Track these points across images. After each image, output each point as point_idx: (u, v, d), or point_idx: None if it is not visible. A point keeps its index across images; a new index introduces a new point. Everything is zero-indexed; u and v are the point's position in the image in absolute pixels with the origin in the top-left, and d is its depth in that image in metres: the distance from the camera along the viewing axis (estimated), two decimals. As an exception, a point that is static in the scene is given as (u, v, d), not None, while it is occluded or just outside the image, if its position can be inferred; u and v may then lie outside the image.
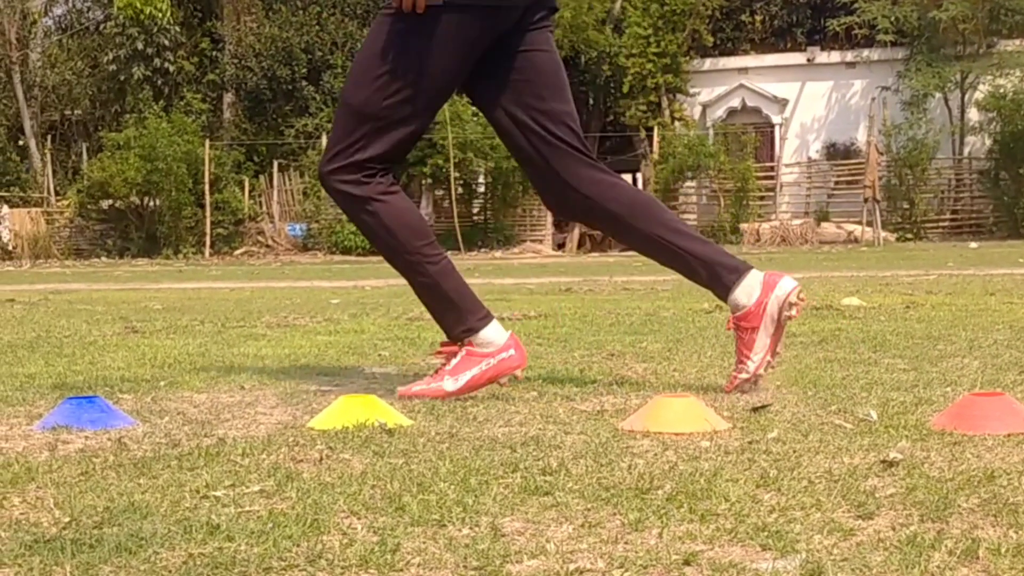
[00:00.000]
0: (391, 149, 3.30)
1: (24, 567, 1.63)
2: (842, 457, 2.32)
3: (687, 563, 1.61)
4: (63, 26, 38.79)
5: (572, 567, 1.61)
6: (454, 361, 3.33)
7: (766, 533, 1.75)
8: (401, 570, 1.62)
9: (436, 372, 3.40)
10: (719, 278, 3.36)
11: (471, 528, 1.83)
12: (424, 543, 1.75)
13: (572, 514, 1.91)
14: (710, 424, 2.64)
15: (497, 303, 8.09)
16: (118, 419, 2.91)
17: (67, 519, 1.91)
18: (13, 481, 2.19)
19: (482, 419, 2.91)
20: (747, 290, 3.32)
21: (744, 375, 3.30)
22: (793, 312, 3.27)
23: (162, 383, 3.75)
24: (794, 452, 2.37)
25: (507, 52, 3.33)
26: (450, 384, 3.29)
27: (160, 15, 32.17)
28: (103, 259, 29.36)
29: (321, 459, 2.39)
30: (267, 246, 31.69)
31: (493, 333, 3.36)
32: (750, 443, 2.48)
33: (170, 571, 1.62)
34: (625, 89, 32.93)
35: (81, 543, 1.74)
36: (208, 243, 30.81)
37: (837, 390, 3.29)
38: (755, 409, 2.92)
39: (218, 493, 2.10)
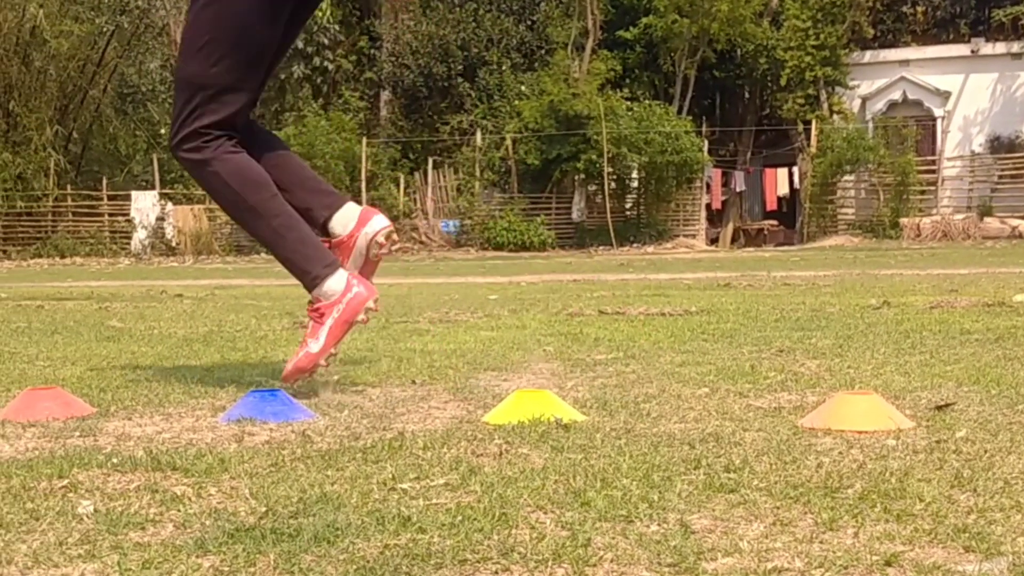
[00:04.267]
0: (226, 115, 3.40)
1: (229, 555, 1.68)
2: (1036, 458, 2.26)
3: (888, 564, 1.58)
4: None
5: (769, 566, 1.59)
6: (309, 327, 3.42)
7: (967, 535, 1.71)
8: (595, 565, 1.62)
9: (300, 345, 3.47)
10: None
11: (659, 524, 1.82)
12: (614, 538, 1.75)
13: (761, 512, 1.89)
14: (894, 422, 2.59)
15: (655, 298, 8.06)
16: (299, 412, 2.97)
17: (263, 509, 1.95)
18: (207, 471, 2.25)
19: (656, 415, 2.90)
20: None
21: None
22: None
23: (335, 377, 3.81)
24: (985, 452, 2.31)
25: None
26: (314, 346, 3.36)
27: (320, 14, 32.66)
28: (262, 255, 29.94)
29: (501, 453, 2.40)
30: (421, 242, 32.01)
31: (335, 282, 3.37)
32: (938, 442, 2.42)
33: (368, 561, 1.64)
34: (783, 82, 32.50)
35: (280, 532, 1.78)
36: (364, 239, 31.21)
37: (1022, 388, 3.20)
38: (939, 407, 2.86)
39: (404, 486, 2.12)
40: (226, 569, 1.62)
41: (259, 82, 3.51)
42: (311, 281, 3.38)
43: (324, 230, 3.52)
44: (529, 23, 34.73)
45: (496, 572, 1.61)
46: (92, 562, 1.66)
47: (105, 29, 34.04)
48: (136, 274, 18.78)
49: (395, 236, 3.54)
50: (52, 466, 2.29)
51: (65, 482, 2.16)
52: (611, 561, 1.64)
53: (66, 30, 32.29)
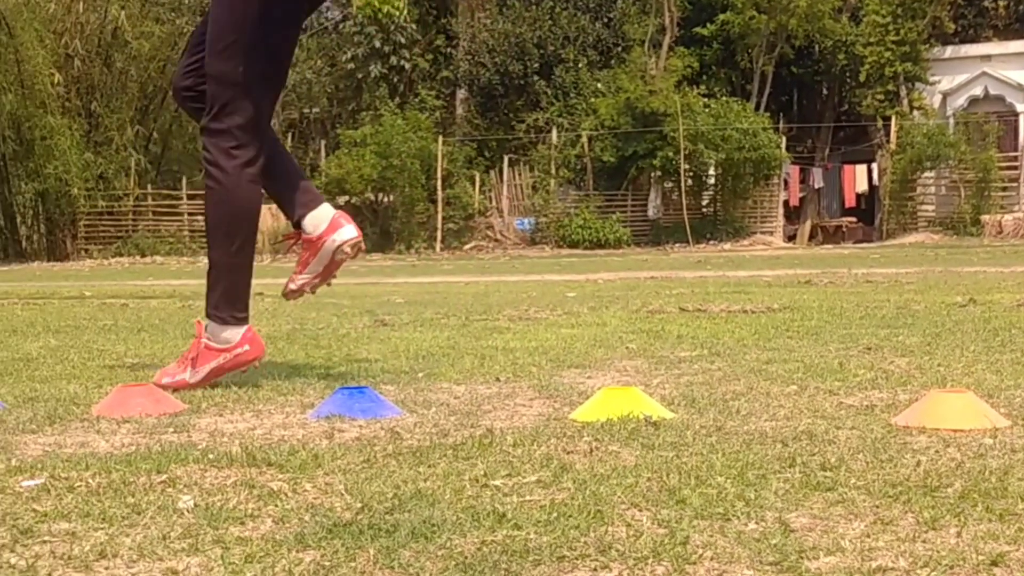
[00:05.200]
0: (255, 112, 3.51)
1: (329, 550, 1.69)
2: None
3: (995, 564, 1.56)
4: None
5: (872, 565, 1.57)
6: (193, 349, 3.57)
7: (1074, 535, 1.68)
8: (695, 563, 1.61)
9: (179, 360, 3.64)
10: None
11: (757, 522, 1.81)
12: (712, 536, 1.73)
13: (861, 511, 1.87)
14: (990, 421, 2.55)
15: (735, 296, 8.01)
16: (387, 409, 2.98)
17: (359, 505, 1.96)
18: (302, 467, 2.27)
19: (745, 412, 2.88)
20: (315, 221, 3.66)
21: (293, 285, 3.76)
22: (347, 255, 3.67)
23: (420, 374, 3.82)
24: (1087, 451, 2.27)
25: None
26: (191, 376, 3.53)
27: (397, 13, 32.76)
28: (340, 253, 30.09)
29: (591, 451, 2.40)
30: (495, 240, 32.05)
31: (233, 333, 3.57)
32: (1036, 441, 2.39)
33: (466, 557, 1.64)
34: (862, 78, 32.15)
35: (378, 528, 1.78)
36: (439, 238, 31.33)
37: (1119, 387, 3.14)
38: (1035, 406, 2.81)
39: (497, 482, 2.12)
40: (327, 564, 1.63)
41: (282, 79, 3.64)
42: (216, 317, 3.57)
43: (296, 224, 3.69)
44: (606, 20, 34.64)
45: (595, 569, 1.61)
46: (196, 556, 1.68)
47: (185, 30, 34.32)
48: (216, 272, 18.94)
49: (363, 246, 3.72)
50: (149, 461, 2.32)
51: (164, 477, 2.18)
52: (711, 559, 1.63)
53: (147, 31, 32.70)
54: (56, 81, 30.99)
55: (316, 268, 3.66)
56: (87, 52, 32.71)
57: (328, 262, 3.65)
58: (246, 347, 3.57)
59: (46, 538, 1.79)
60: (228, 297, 3.58)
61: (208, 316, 3.59)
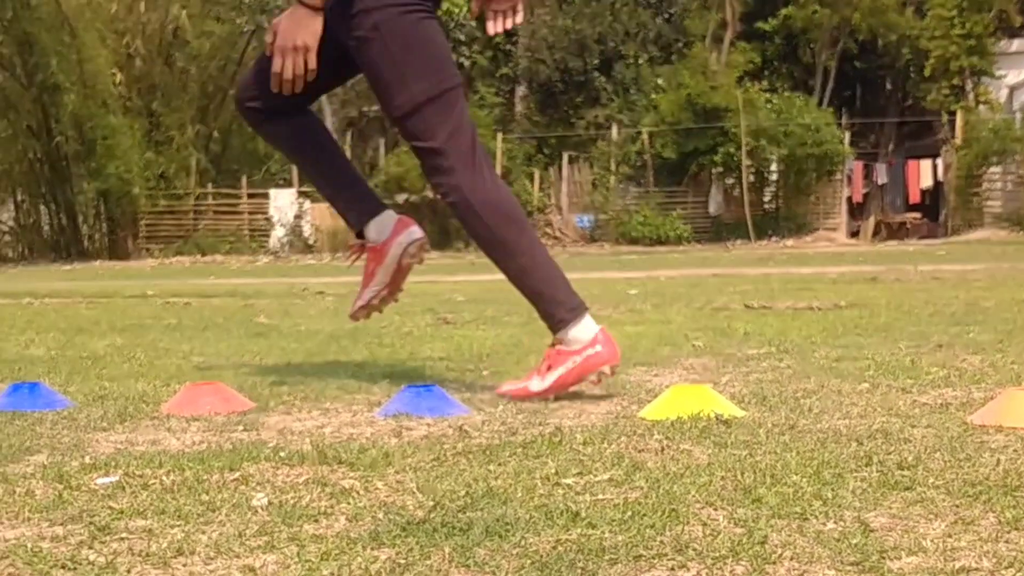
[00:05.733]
0: (457, 118, 3.31)
1: (404, 547, 1.68)
2: None
3: (1081, 565, 1.53)
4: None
5: (956, 565, 1.55)
6: (543, 363, 3.29)
7: None
8: (774, 563, 1.59)
9: (528, 373, 3.36)
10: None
11: (836, 522, 1.79)
12: (791, 536, 1.71)
13: (941, 510, 1.84)
14: (1069, 419, 2.50)
15: (800, 292, 7.95)
16: (454, 407, 2.98)
17: (431, 503, 1.95)
18: (372, 465, 2.26)
19: (818, 411, 2.85)
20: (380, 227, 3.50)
21: (360, 302, 3.53)
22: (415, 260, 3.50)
23: (485, 372, 3.82)
24: None
25: None
26: (537, 385, 3.25)
27: (457, 10, 32.78)
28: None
29: (662, 449, 2.38)
30: (555, 237, 31.98)
31: (581, 331, 3.27)
32: (1118, 440, 2.34)
33: (541, 556, 1.63)
34: (927, 72, 31.76)
35: (452, 526, 1.78)
36: (500, 235, 31.27)
37: None
38: (1115, 404, 2.75)
39: (568, 481, 2.11)
40: (403, 562, 1.62)
41: (455, 71, 3.44)
42: (555, 324, 3.29)
43: (359, 235, 3.53)
44: (667, 16, 34.49)
45: (673, 568, 1.59)
46: (272, 553, 1.68)
47: (245, 29, 34.60)
48: (276, 271, 19.10)
49: (428, 246, 3.56)
50: (222, 459, 2.33)
51: (236, 475, 2.19)
52: (790, 559, 1.60)
53: (207, 30, 32.94)
54: (118, 81, 31.29)
55: (383, 279, 3.49)
56: (148, 52, 32.99)
57: (395, 269, 3.49)
58: (597, 348, 3.25)
59: (123, 535, 1.79)
60: (550, 300, 3.32)
61: (552, 331, 3.33)
